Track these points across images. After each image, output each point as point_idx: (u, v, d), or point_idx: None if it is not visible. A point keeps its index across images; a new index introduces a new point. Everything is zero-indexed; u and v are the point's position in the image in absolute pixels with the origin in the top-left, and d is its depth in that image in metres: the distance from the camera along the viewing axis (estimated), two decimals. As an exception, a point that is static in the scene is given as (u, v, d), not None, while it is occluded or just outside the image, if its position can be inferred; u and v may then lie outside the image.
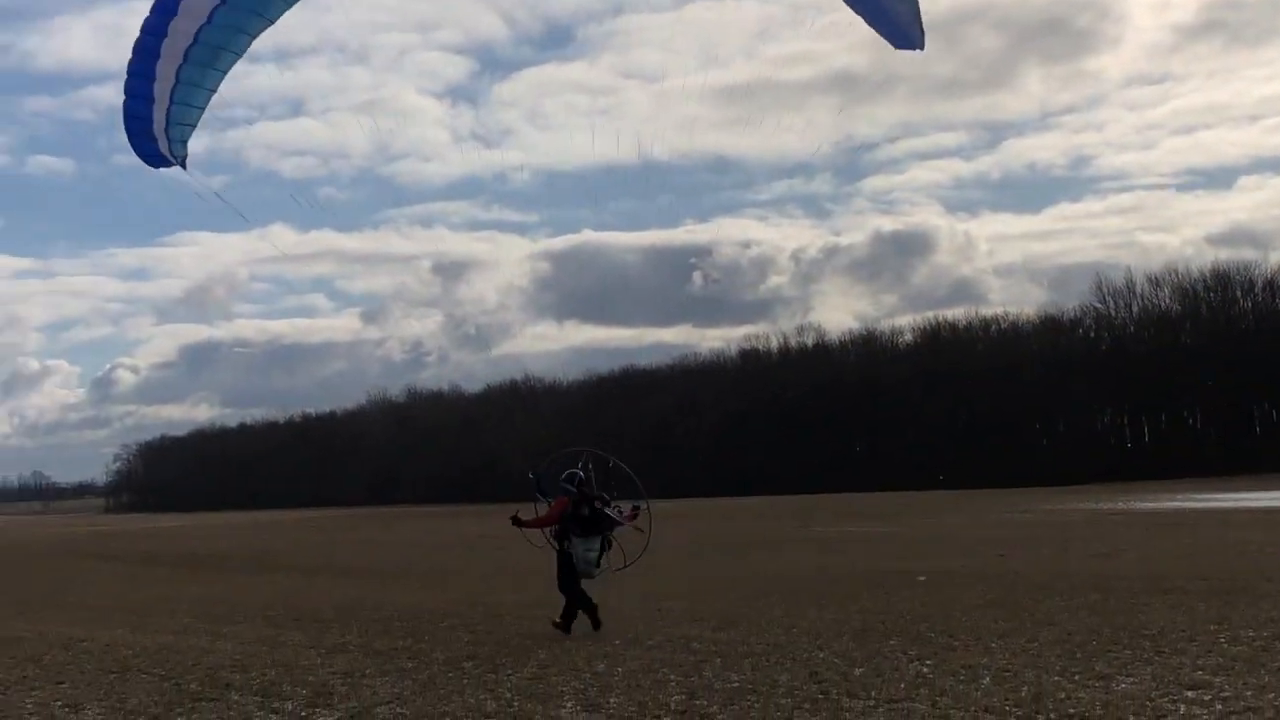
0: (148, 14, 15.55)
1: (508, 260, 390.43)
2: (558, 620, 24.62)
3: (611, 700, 17.21)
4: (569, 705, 16.97)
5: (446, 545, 73.88)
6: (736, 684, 18.21)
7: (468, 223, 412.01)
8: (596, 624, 24.55)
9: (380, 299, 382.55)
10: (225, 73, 15.57)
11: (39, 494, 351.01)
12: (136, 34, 15.92)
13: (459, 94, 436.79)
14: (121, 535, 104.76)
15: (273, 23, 15.76)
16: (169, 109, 15.45)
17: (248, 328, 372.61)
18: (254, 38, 15.71)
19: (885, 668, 19.34)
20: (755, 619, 26.72)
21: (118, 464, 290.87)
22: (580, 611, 24.56)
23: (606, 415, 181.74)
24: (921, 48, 18.07)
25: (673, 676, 19.04)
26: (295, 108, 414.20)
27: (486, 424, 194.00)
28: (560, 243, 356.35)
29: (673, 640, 23.36)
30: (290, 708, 17.60)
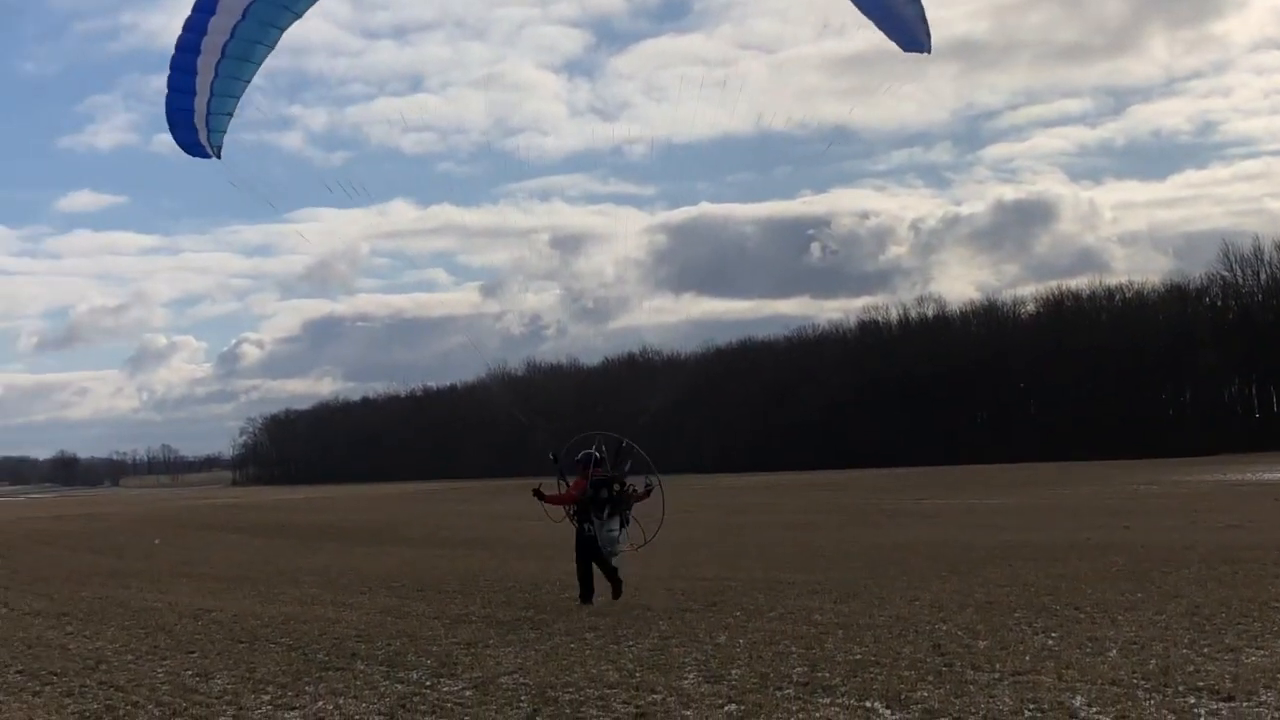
0: (189, 12, 16.08)
1: (625, 233, 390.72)
2: (579, 596, 25.80)
3: (733, 672, 17.20)
4: (691, 676, 16.98)
5: (564, 517, 74.25)
6: (859, 656, 18.13)
7: (585, 196, 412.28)
8: (617, 593, 25.51)
9: (499, 273, 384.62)
10: (259, 65, 16.18)
11: (167, 467, 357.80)
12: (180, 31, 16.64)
13: (576, 68, 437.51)
14: (248, 508, 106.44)
15: (299, 17, 16.28)
16: (209, 101, 16.06)
17: (369, 302, 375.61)
18: (283, 32, 16.26)
19: (1010, 640, 19.17)
20: (876, 591, 26.60)
21: (243, 437, 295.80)
22: (584, 590, 25.70)
23: (724, 387, 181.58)
24: (928, 50, 18.31)
25: (794, 649, 19.01)
26: (415, 83, 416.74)
27: (605, 397, 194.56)
28: (677, 215, 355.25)
29: (794, 612, 23.33)
30: (415, 677, 17.79)
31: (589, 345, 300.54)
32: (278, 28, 16.13)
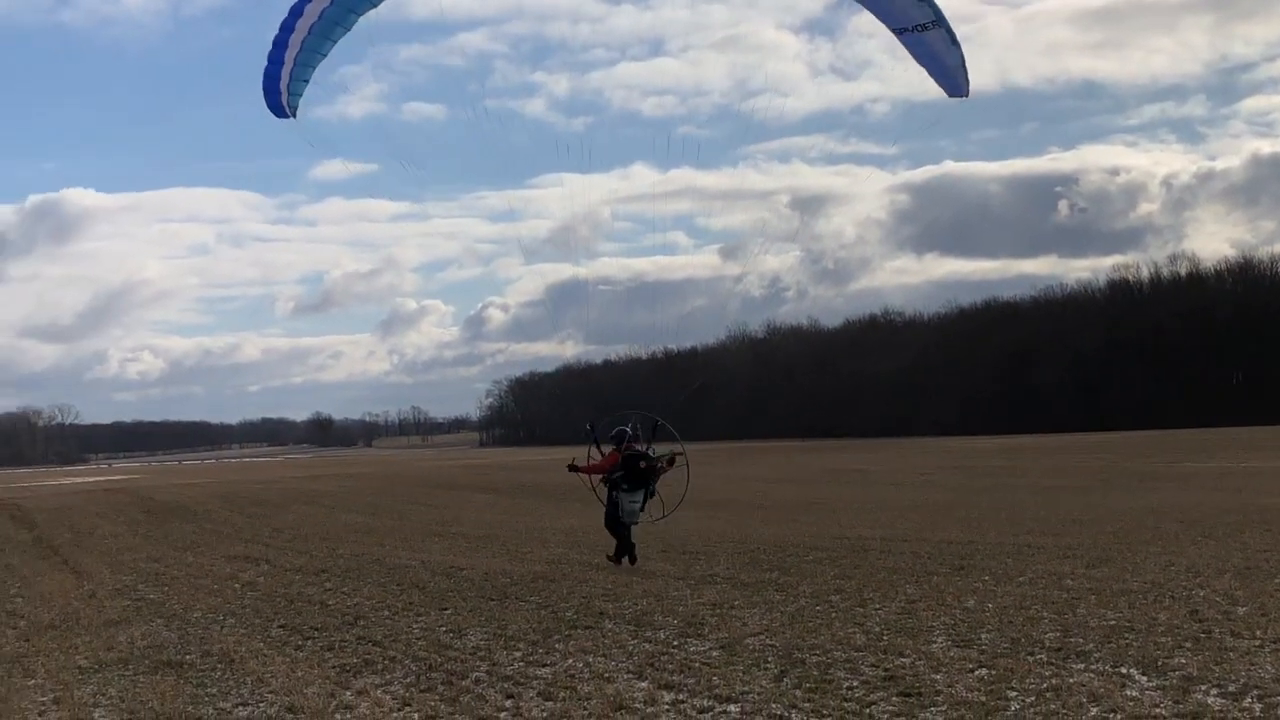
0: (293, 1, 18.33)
1: (866, 193, 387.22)
2: (610, 555, 27.25)
3: (983, 636, 16.98)
4: (940, 640, 16.81)
5: (807, 479, 74.13)
6: (1113, 622, 17.72)
7: (825, 157, 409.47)
8: (633, 560, 26.89)
9: (739, 235, 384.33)
10: (335, 43, 18.34)
11: (418, 428, 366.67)
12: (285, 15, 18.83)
13: (816, 27, 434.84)
14: (495, 468, 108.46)
15: (375, 6, 18.44)
16: (292, 70, 18.12)
17: (611, 265, 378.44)
18: (360, 17, 18.44)
19: (1271, 607, 18.54)
20: (1129, 556, 25.97)
21: (490, 399, 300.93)
22: (624, 545, 27.12)
23: (968, 348, 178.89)
24: (967, 94, 20.19)
25: (1045, 614, 18.66)
26: (655, 47, 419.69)
27: (845, 359, 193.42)
28: (920, 174, 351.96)
29: (1044, 577, 22.91)
30: (663, 637, 17.93)
31: (829, 307, 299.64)
32: (356, 14, 18.32)
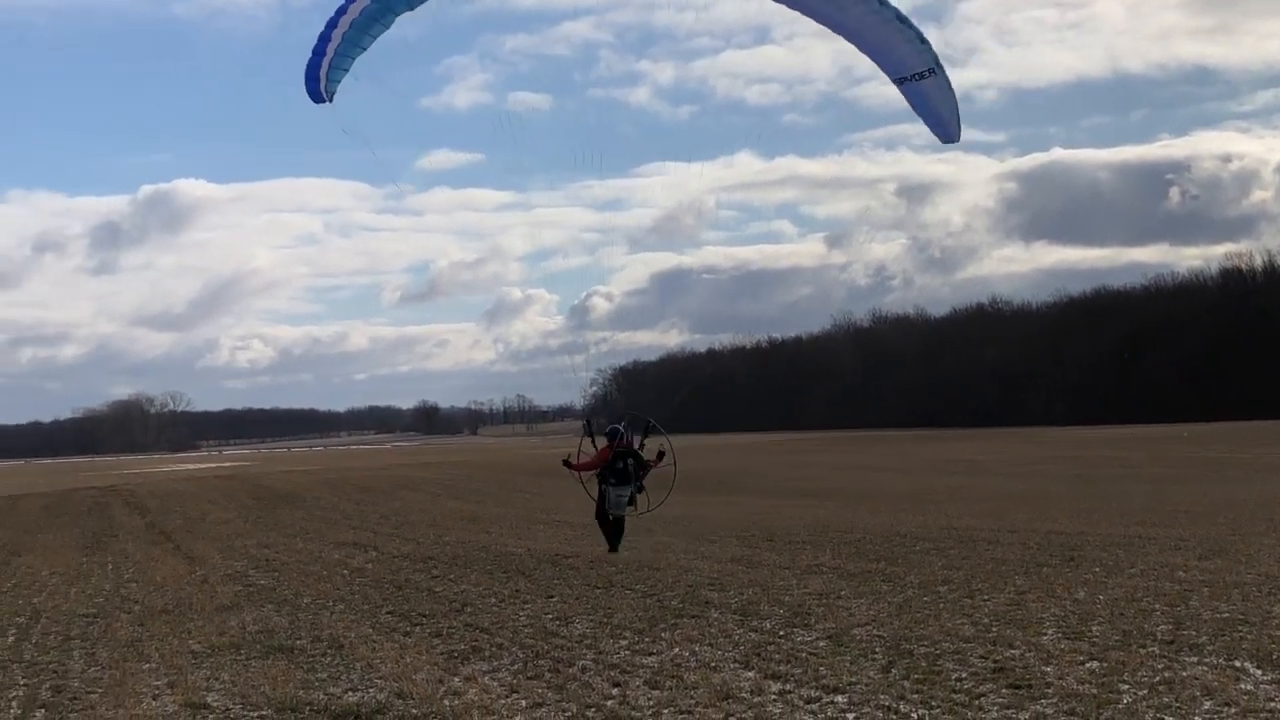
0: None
1: (973, 181, 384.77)
2: (610, 552, 28.28)
3: (1094, 628, 16.75)
4: (1050, 633, 16.60)
5: (913, 469, 73.69)
6: (1226, 615, 17.43)
7: (932, 144, 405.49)
8: (614, 549, 28.16)
9: (844, 223, 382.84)
10: (375, 39, 19.58)
11: (522, 417, 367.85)
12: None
13: (924, 13, 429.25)
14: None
15: (412, 9, 19.64)
16: (332, 59, 19.28)
17: (715, 254, 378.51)
18: (397, 15, 19.54)
19: (1393, 603, 18.16)
20: (1242, 548, 25.58)
21: (594, 388, 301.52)
22: (608, 536, 28.54)
23: (1077, 337, 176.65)
24: (958, 140, 21.48)
25: (1157, 606, 18.39)
26: (760, 36, 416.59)
27: (952, 348, 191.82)
28: (1028, 162, 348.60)
29: (1155, 569, 22.60)
30: (769, 626, 17.87)
31: (936, 295, 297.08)
32: (394, 13, 19.41)
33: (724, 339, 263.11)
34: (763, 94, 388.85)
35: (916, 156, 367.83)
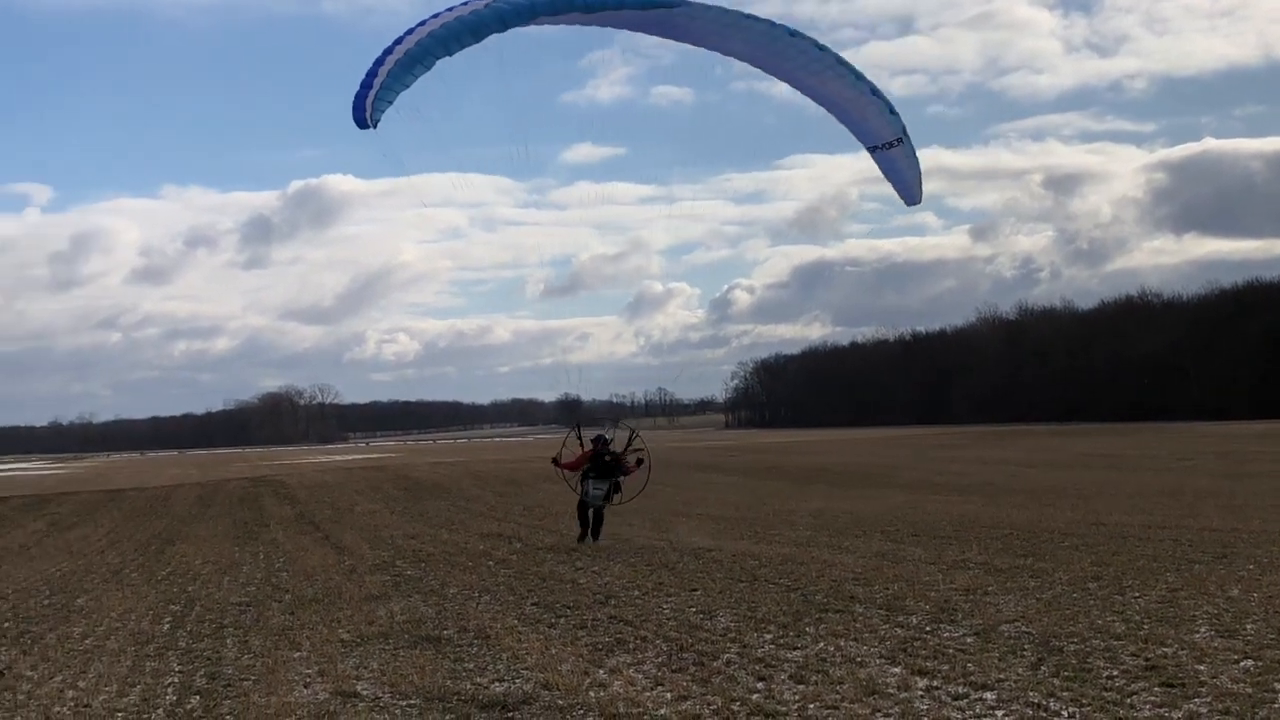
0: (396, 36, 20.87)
1: (1122, 172, 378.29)
2: (587, 540, 30.63)
3: (1249, 626, 16.38)
4: (1203, 630, 16.27)
5: (1061, 464, 72.63)
6: (1390, 616, 16.97)
7: (1080, 134, 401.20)
8: (593, 537, 30.53)
9: (990, 215, 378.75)
10: (417, 78, 20.80)
11: (663, 410, 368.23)
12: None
13: (1071, 3, 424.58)
14: (740, 450, 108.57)
15: (450, 54, 20.52)
16: (379, 91, 20.45)
17: (858, 247, 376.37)
18: (437, 59, 20.50)
19: None
20: (1407, 547, 24.85)
21: (735, 381, 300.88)
22: (583, 527, 30.95)
23: (1229, 330, 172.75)
24: (920, 202, 23.06)
25: (1316, 605, 17.96)
26: (905, 26, 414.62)
27: (1100, 341, 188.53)
28: (1179, 152, 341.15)
29: (1314, 567, 22.07)
30: (915, 622, 17.73)
31: (1084, 288, 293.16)
32: (434, 56, 20.42)
33: (867, 332, 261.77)
34: (907, 85, 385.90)
35: (1064, 147, 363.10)
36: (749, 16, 20.67)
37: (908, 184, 22.00)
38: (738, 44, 21.14)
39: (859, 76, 20.78)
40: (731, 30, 20.68)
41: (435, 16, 20.23)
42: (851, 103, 21.10)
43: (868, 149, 21.88)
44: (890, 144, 21.60)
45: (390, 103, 20.79)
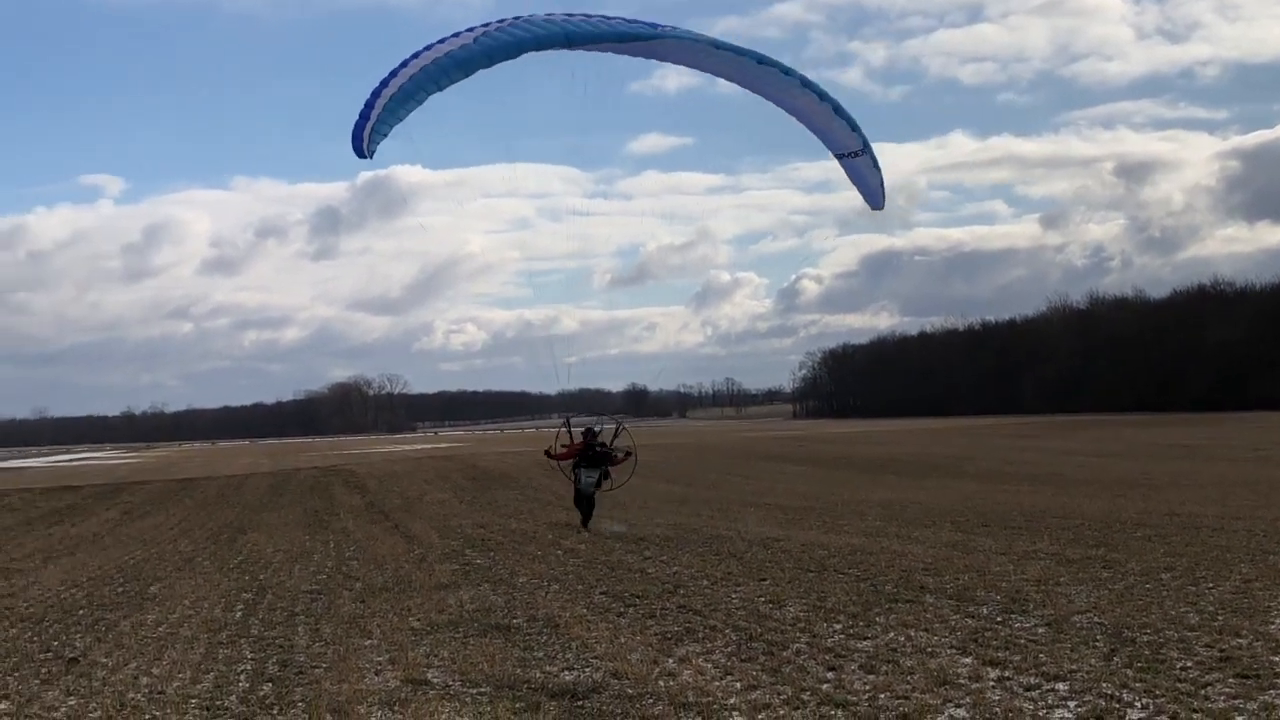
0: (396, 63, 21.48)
1: (1194, 160, 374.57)
2: (580, 526, 32.47)
3: (1326, 619, 16.20)
4: (1278, 621, 16.08)
5: (1132, 454, 72.03)
6: None
7: (1152, 122, 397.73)
8: (585, 524, 32.15)
9: (1060, 203, 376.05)
10: (410, 111, 21.41)
11: (731, 400, 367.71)
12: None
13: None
14: (809, 440, 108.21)
15: (441, 89, 21.14)
16: (374, 124, 21.24)
17: (927, 236, 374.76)
18: (429, 94, 21.16)
19: None
20: None
21: (803, 371, 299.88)
22: (582, 513, 32.74)
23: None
24: (883, 207, 24.44)
25: (1396, 597, 17.71)
26: (974, 14, 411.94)
27: (1172, 330, 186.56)
28: (1253, 139, 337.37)
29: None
30: (985, 612, 17.62)
31: (1156, 276, 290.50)
32: (426, 92, 21.12)
33: (935, 321, 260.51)
34: (976, 73, 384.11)
35: (1136, 135, 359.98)
36: (720, 47, 21.67)
37: (871, 189, 23.50)
38: (711, 68, 22.26)
39: (823, 96, 22.14)
40: (704, 58, 22.06)
41: (428, 49, 20.79)
42: (818, 116, 22.56)
43: (835, 156, 23.43)
44: (854, 153, 23.11)
45: (385, 135, 21.66)
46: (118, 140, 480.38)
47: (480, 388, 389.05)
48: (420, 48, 21.08)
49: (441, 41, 20.81)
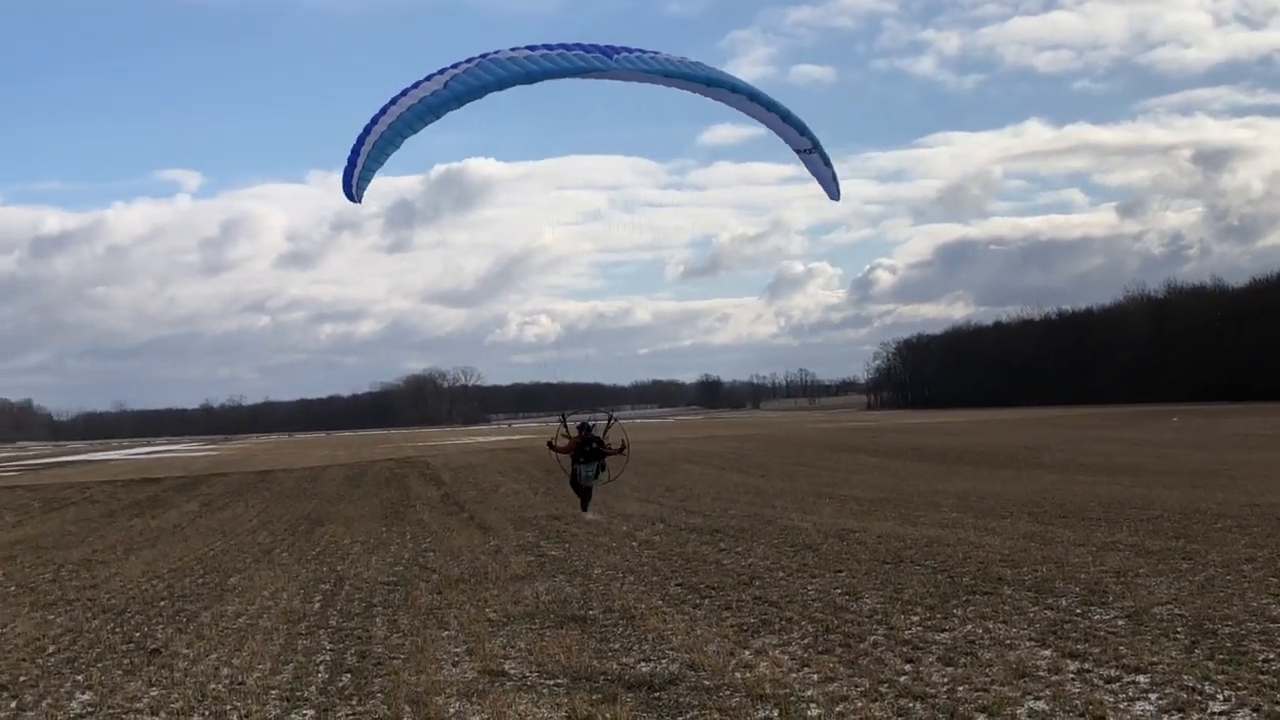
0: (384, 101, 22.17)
1: (1274, 146, 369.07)
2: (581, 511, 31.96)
3: None
4: (1364, 615, 15.88)
5: (1212, 444, 71.23)
6: None
7: (1230, 109, 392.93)
8: (583, 509, 31.27)
9: (1137, 192, 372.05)
10: (389, 155, 22.20)
11: (804, 391, 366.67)
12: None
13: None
14: (883, 431, 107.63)
15: (415, 132, 21.97)
16: (365, 163, 21.97)
17: (1002, 225, 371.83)
18: (404, 139, 21.95)
19: None
20: None
21: (877, 362, 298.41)
22: (582, 500, 31.46)
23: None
24: (839, 199, 25.35)
25: None
26: (1049, 1, 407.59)
27: (1252, 319, 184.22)
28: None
29: None
30: (1064, 604, 17.48)
31: (1235, 265, 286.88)
32: (403, 137, 21.91)
33: (1011, 311, 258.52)
34: (1052, 61, 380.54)
35: (1214, 122, 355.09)
36: (670, 74, 22.22)
37: (826, 182, 24.72)
38: (665, 84, 22.86)
39: (771, 105, 23.09)
40: (659, 79, 22.37)
41: (405, 94, 21.59)
42: (770, 122, 23.51)
43: (796, 152, 24.57)
44: (807, 150, 24.30)
45: (369, 181, 22.51)
46: (195, 135, 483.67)
47: (553, 380, 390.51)
48: (397, 92, 22.02)
49: (415, 86, 21.82)
